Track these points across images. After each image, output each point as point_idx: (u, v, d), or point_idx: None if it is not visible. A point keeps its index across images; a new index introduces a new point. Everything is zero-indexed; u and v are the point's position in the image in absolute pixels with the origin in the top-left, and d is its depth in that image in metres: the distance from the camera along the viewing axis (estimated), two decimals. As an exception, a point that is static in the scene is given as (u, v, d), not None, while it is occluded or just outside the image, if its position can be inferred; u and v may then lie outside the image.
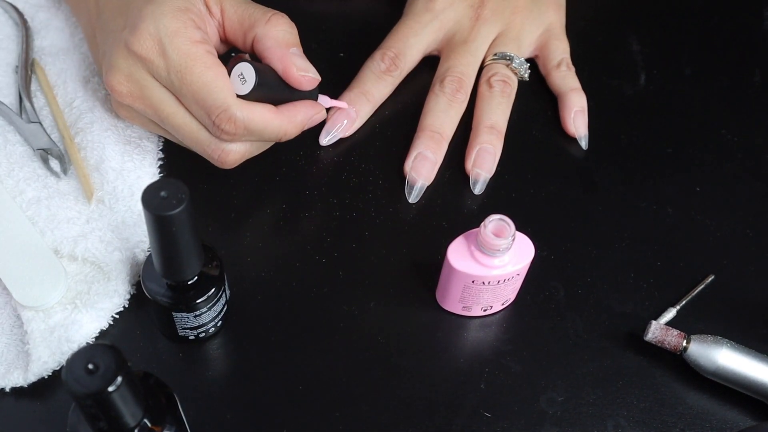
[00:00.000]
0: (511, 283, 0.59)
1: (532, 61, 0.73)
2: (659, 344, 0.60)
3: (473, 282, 0.58)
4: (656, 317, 0.62)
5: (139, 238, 0.61)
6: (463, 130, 0.69)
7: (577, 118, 0.70)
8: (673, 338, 0.59)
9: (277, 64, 0.59)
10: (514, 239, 0.55)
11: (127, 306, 0.60)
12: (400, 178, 0.67)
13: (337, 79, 0.70)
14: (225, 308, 0.59)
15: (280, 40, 0.59)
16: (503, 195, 0.67)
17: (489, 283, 0.58)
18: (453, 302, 0.61)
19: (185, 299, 0.55)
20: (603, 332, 0.62)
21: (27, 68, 0.68)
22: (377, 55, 0.70)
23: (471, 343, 0.62)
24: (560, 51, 0.72)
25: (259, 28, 0.59)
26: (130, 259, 0.60)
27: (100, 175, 0.63)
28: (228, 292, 0.59)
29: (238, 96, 0.57)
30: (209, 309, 0.57)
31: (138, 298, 0.60)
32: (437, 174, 0.67)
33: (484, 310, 0.62)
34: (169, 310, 0.56)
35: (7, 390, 0.57)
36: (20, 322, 0.59)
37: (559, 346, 0.61)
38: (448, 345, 0.61)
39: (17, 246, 0.60)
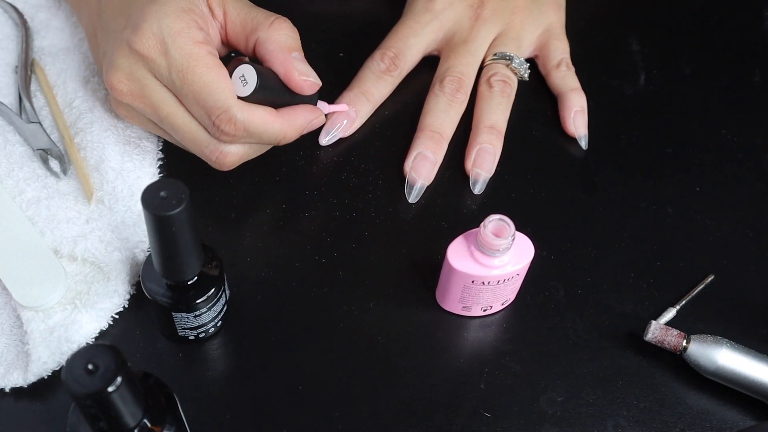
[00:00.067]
0: (510, 283, 0.59)
1: (532, 61, 0.73)
2: (659, 344, 0.60)
3: (473, 282, 0.58)
4: (656, 317, 0.62)
5: (139, 238, 0.61)
6: (463, 130, 0.69)
7: (576, 118, 0.70)
8: (672, 338, 0.59)
9: (279, 68, 0.59)
10: (513, 239, 0.55)
11: (126, 306, 0.60)
12: (400, 178, 0.67)
13: (337, 79, 0.70)
14: (225, 308, 0.59)
15: (283, 44, 0.59)
16: (503, 195, 0.67)
17: (489, 283, 0.58)
18: (453, 302, 0.61)
19: (185, 299, 0.55)
20: (603, 332, 0.62)
21: (27, 68, 0.68)
22: (377, 55, 0.70)
23: (471, 343, 0.62)
24: (560, 51, 0.72)
25: (262, 32, 0.59)
26: (129, 259, 0.60)
27: (100, 176, 0.63)
28: (228, 292, 0.59)
29: (239, 98, 0.57)
30: (209, 309, 0.57)
31: (138, 298, 0.60)
32: (437, 174, 0.67)
33: (484, 310, 0.62)
34: (168, 311, 0.56)
35: (7, 390, 0.57)
36: (20, 322, 0.59)
37: (558, 346, 0.61)
38: (448, 345, 0.61)
39: (17, 246, 0.60)
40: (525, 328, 0.62)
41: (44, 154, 0.64)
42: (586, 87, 0.71)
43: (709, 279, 0.64)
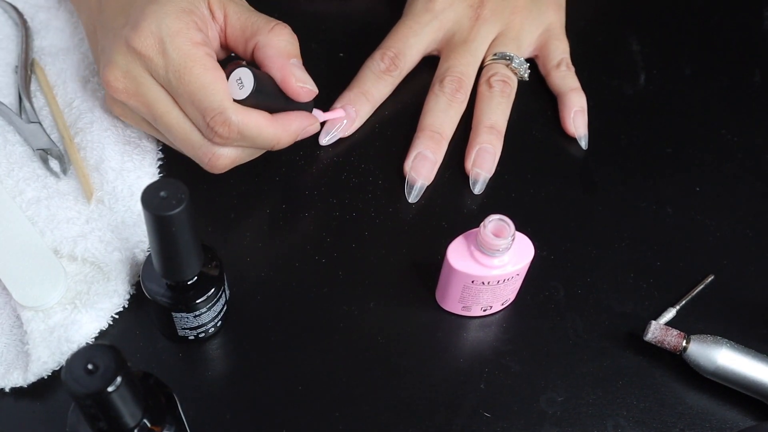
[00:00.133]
0: (510, 283, 0.59)
1: (531, 61, 0.73)
2: (659, 344, 0.60)
3: (473, 282, 0.58)
4: (656, 317, 0.62)
5: (139, 238, 0.61)
6: (463, 130, 0.69)
7: (576, 118, 0.70)
8: (672, 338, 0.59)
9: (277, 73, 0.59)
10: (513, 239, 0.55)
11: (126, 306, 0.60)
12: (399, 178, 0.67)
13: (337, 79, 0.70)
14: (225, 308, 0.59)
15: (282, 50, 0.59)
16: (503, 195, 0.67)
17: (489, 283, 0.58)
18: (453, 302, 0.61)
19: (185, 299, 0.55)
20: (603, 332, 0.62)
21: (27, 68, 0.68)
22: (377, 55, 0.70)
23: (471, 343, 0.62)
24: (560, 51, 0.72)
25: (261, 37, 0.59)
26: (129, 259, 0.60)
27: (100, 175, 0.63)
28: (228, 292, 0.59)
29: (235, 101, 0.57)
30: (209, 309, 0.57)
31: (138, 298, 0.60)
32: (437, 174, 0.67)
33: (484, 310, 0.62)
34: (168, 311, 0.56)
35: (7, 390, 0.57)
36: (20, 322, 0.59)
37: (558, 346, 0.61)
38: (447, 345, 0.61)
39: (17, 246, 0.60)
40: (525, 328, 0.62)
41: (44, 154, 0.64)
42: (586, 87, 0.71)
43: (709, 279, 0.64)
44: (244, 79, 0.57)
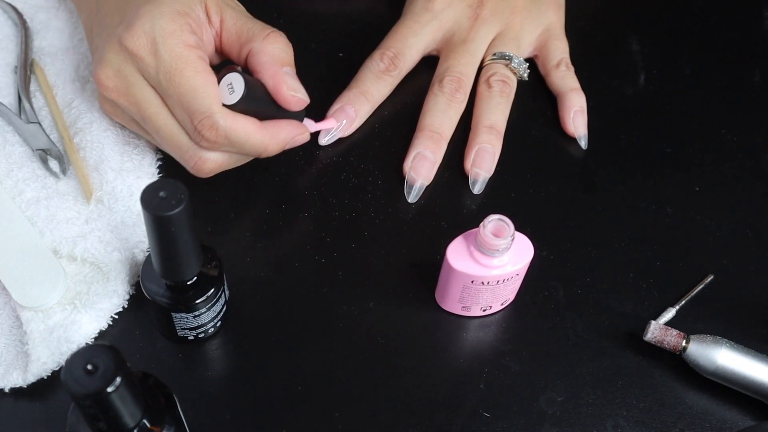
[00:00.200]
0: (510, 283, 0.59)
1: (531, 61, 0.73)
2: (659, 344, 0.60)
3: (472, 282, 0.58)
4: (656, 317, 0.62)
5: (139, 238, 0.61)
6: (463, 130, 0.69)
7: (576, 118, 0.70)
8: (672, 338, 0.59)
9: (269, 81, 0.58)
10: (513, 239, 0.55)
11: (126, 306, 0.60)
12: (399, 178, 0.67)
13: (337, 79, 0.70)
14: (224, 308, 0.59)
15: (275, 58, 0.58)
16: (502, 195, 0.67)
17: (488, 283, 0.58)
18: (452, 302, 0.61)
19: (184, 300, 0.55)
20: (603, 332, 0.62)
21: (26, 68, 0.68)
22: (376, 55, 0.70)
23: (470, 343, 0.62)
24: (560, 51, 0.72)
25: (256, 43, 0.59)
26: (129, 260, 0.60)
27: (99, 175, 0.63)
28: (227, 292, 0.59)
29: (225, 105, 0.57)
30: (208, 309, 0.57)
31: (137, 299, 0.60)
32: (436, 174, 0.67)
33: (484, 310, 0.62)
34: (168, 311, 0.56)
35: (7, 390, 0.57)
36: (19, 322, 0.59)
37: (558, 346, 0.61)
38: (447, 345, 0.61)
39: (16, 246, 0.60)
40: (525, 328, 0.62)
41: (44, 155, 0.64)
42: (586, 87, 0.71)
43: (709, 279, 0.64)
44: (235, 85, 0.57)
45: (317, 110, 0.69)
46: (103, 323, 0.59)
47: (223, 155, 0.59)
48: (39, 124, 0.65)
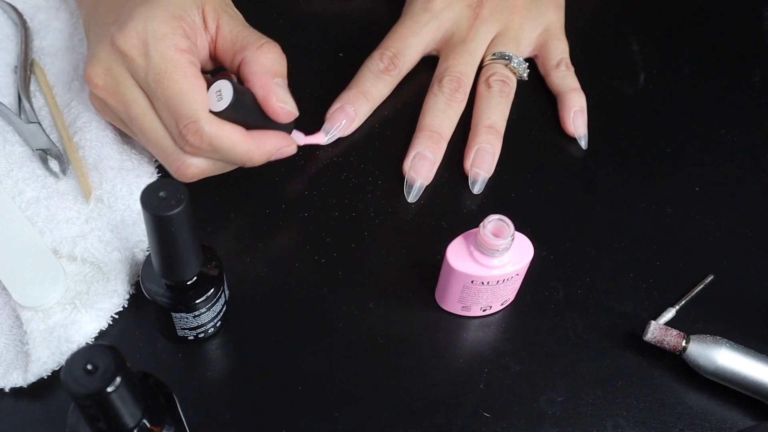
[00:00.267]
0: (510, 283, 0.59)
1: (531, 61, 0.73)
2: (658, 344, 0.60)
3: (472, 282, 0.58)
4: (656, 317, 0.62)
5: (139, 237, 0.61)
6: (463, 130, 0.69)
7: (576, 118, 0.70)
8: (672, 338, 0.59)
9: (258, 90, 0.58)
10: (513, 239, 0.55)
11: (126, 306, 0.60)
12: (399, 178, 0.67)
13: (336, 79, 0.70)
14: (224, 308, 0.59)
15: (267, 68, 0.58)
16: (502, 195, 0.67)
17: (488, 283, 0.58)
18: (452, 302, 0.61)
19: (184, 299, 0.55)
20: (603, 332, 0.62)
21: (26, 68, 0.68)
22: (376, 55, 0.70)
23: (470, 343, 0.62)
24: (559, 51, 0.72)
25: (249, 52, 0.58)
26: (129, 259, 0.60)
27: (99, 174, 0.63)
28: (227, 292, 0.59)
29: (212, 112, 0.56)
30: (208, 309, 0.57)
31: (137, 298, 0.60)
32: (436, 174, 0.67)
33: (484, 310, 0.62)
34: (168, 311, 0.56)
35: (7, 390, 0.57)
36: (20, 322, 0.59)
37: (558, 346, 0.61)
38: (447, 345, 0.61)
39: (16, 246, 0.60)
40: (525, 328, 0.62)
41: (43, 155, 0.64)
42: (585, 87, 0.71)
43: (709, 279, 0.64)
44: (223, 92, 0.56)
45: (317, 110, 0.69)
46: (103, 323, 0.59)
47: (207, 162, 0.59)
48: (39, 124, 0.65)
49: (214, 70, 0.62)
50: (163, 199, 0.47)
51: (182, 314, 0.56)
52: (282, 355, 0.60)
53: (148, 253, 0.58)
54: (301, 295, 0.62)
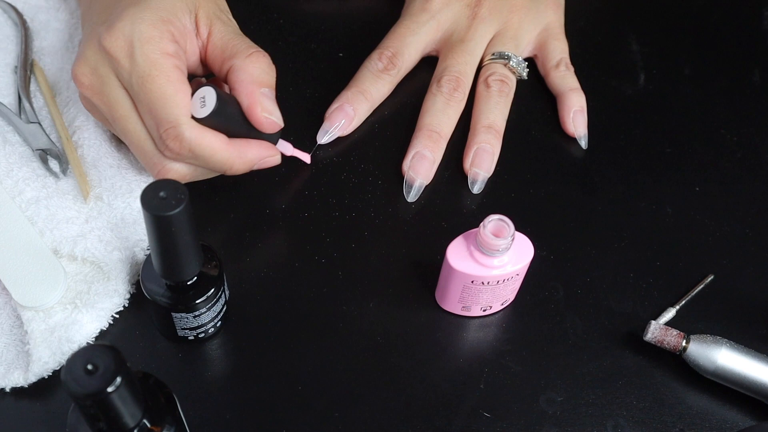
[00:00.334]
0: (510, 283, 0.59)
1: (531, 61, 0.73)
2: (659, 344, 0.60)
3: (472, 282, 0.58)
4: (656, 317, 0.62)
5: (139, 237, 0.61)
6: (462, 130, 0.69)
7: (576, 118, 0.70)
8: (672, 338, 0.59)
9: (244, 99, 0.58)
10: (513, 239, 0.55)
11: (126, 306, 0.60)
12: (399, 178, 0.67)
13: (336, 79, 0.70)
14: (224, 308, 0.59)
15: (254, 77, 0.58)
16: (502, 195, 0.67)
17: (488, 283, 0.58)
18: (452, 302, 0.61)
19: (184, 299, 0.55)
20: (602, 332, 0.62)
21: (26, 69, 0.68)
22: (375, 55, 0.70)
23: (470, 344, 0.62)
24: (559, 51, 0.72)
25: (238, 60, 0.58)
26: (129, 259, 0.60)
27: (98, 172, 0.63)
28: (227, 292, 0.59)
29: (194, 118, 0.56)
30: (208, 309, 0.57)
31: (137, 298, 0.60)
32: (436, 174, 0.67)
33: (484, 311, 0.62)
34: (168, 311, 0.56)
35: (8, 390, 0.57)
36: (20, 322, 0.59)
37: (558, 347, 0.61)
38: (447, 345, 0.61)
39: (17, 246, 0.60)
40: (525, 328, 0.62)
41: (43, 154, 0.64)
42: (585, 87, 0.71)
43: (709, 279, 0.64)
44: (207, 98, 0.56)
45: (317, 110, 0.69)
46: (103, 323, 0.59)
47: (188, 167, 0.59)
48: (39, 124, 0.65)
49: (206, 76, 0.62)
50: (163, 199, 0.47)
51: (182, 314, 0.56)
52: (282, 355, 0.60)
53: (148, 252, 0.58)
54: (301, 295, 0.62)
